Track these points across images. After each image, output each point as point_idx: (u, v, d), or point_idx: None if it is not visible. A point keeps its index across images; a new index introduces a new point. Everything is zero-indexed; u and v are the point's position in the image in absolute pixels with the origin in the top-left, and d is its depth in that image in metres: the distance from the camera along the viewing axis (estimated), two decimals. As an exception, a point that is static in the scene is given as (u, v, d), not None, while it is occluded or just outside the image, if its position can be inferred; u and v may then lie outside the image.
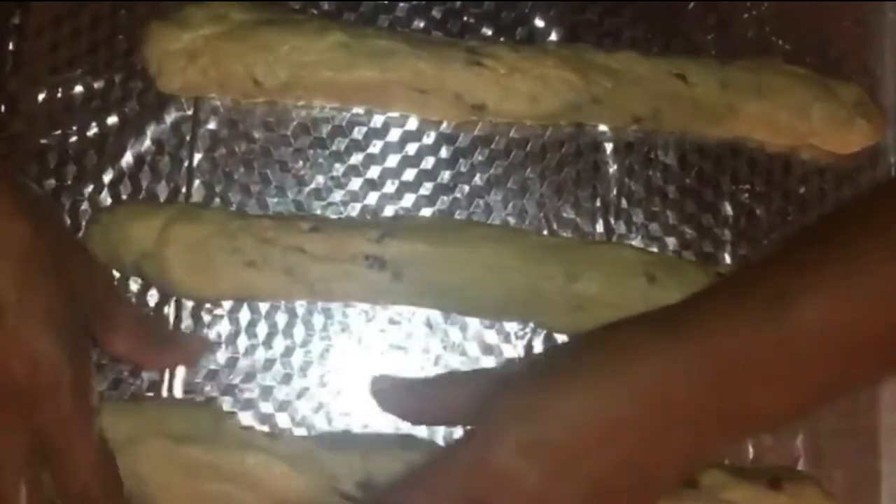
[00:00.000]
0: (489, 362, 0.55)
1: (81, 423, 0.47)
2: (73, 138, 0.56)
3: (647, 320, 0.43)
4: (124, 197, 0.56)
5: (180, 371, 0.54)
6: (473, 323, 0.56)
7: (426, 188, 0.57)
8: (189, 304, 0.55)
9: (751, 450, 0.56)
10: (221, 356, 0.55)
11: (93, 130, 0.56)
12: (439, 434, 0.55)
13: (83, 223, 0.55)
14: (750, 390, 0.41)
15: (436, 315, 0.55)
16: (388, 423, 0.54)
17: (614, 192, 0.57)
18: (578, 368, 0.43)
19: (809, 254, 0.42)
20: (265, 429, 0.53)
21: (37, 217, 0.47)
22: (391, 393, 0.51)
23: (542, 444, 0.42)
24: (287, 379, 0.55)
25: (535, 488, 0.42)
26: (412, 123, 0.57)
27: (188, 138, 0.56)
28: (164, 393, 0.54)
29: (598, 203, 0.57)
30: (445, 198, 0.57)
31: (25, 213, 0.46)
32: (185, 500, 0.51)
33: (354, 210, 0.56)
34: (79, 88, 0.56)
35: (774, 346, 0.41)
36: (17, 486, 0.45)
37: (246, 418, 0.54)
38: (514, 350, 0.56)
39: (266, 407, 0.54)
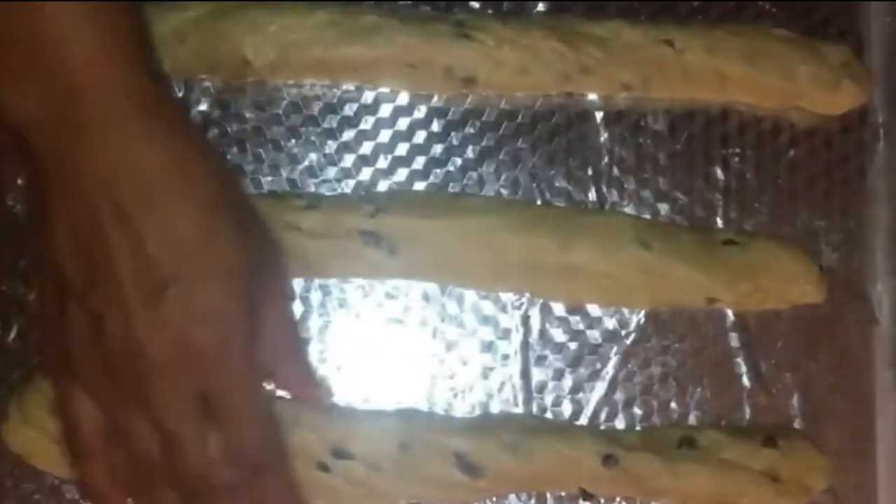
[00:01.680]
0: (486, 333, 0.56)
1: (251, 383, 0.46)
2: (65, 123, 0.56)
3: None
4: (119, 180, 0.56)
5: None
6: (470, 294, 0.56)
7: (419, 162, 0.57)
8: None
9: (747, 410, 0.57)
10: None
11: (84, 115, 0.56)
12: (439, 406, 0.55)
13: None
14: None
15: (432, 288, 0.56)
16: (389, 399, 0.55)
17: (606, 160, 0.58)
18: None
19: None
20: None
21: (221, 163, 0.46)
22: None
23: None
24: (287, 356, 0.55)
25: None
26: (403, 98, 0.57)
27: (180, 120, 0.56)
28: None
29: (589, 172, 0.58)
30: (438, 171, 0.57)
31: (214, 156, 0.45)
32: None
33: (348, 186, 0.57)
34: (69, 73, 0.56)
35: None
36: (201, 437, 0.45)
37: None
38: (510, 320, 0.56)
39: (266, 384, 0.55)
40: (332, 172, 0.57)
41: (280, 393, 0.53)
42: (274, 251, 0.50)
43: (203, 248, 0.44)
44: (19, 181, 0.55)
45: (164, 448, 0.46)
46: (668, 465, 0.53)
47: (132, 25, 0.45)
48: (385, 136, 0.57)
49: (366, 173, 0.57)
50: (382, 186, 0.57)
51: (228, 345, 0.45)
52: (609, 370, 0.56)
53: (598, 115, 0.58)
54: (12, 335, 0.54)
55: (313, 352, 0.55)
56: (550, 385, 0.56)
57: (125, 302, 0.44)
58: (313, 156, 0.57)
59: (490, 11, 0.58)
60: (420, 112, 0.57)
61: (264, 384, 0.48)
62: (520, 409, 0.56)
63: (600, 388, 0.56)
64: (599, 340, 0.56)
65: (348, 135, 0.57)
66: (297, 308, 0.55)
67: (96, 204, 0.43)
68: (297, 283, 0.55)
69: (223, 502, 0.47)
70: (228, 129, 0.56)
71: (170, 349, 0.44)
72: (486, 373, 0.56)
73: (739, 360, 0.57)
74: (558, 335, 0.56)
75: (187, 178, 0.44)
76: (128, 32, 0.44)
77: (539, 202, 0.57)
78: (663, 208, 0.58)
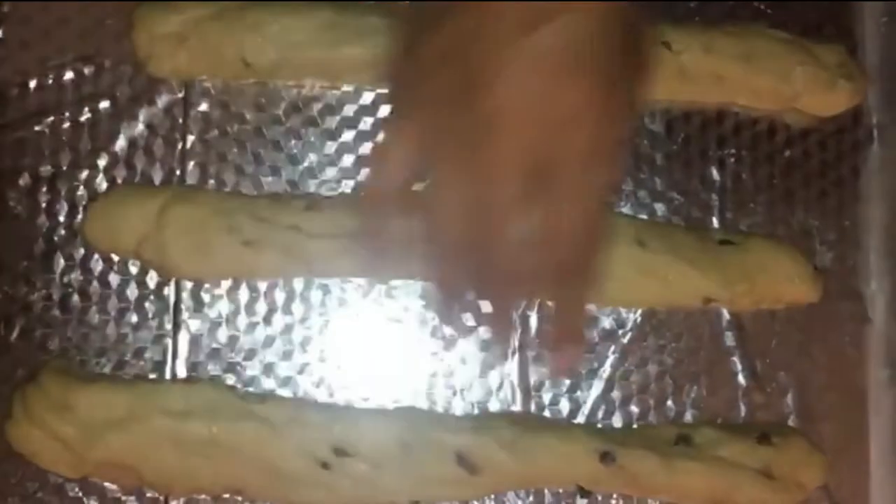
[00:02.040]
0: (485, 332, 0.56)
1: (592, 173, 0.43)
2: (66, 124, 0.56)
3: None
4: (120, 181, 0.56)
5: (182, 350, 0.55)
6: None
7: (418, 163, 0.58)
8: (189, 284, 0.56)
9: (742, 408, 0.57)
10: (222, 334, 0.55)
11: (85, 116, 0.56)
12: (439, 405, 0.56)
13: (80, 208, 0.56)
14: None
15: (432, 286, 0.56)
16: (387, 398, 0.55)
17: (603, 160, 0.58)
18: None
19: None
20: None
21: None
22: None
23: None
24: (288, 355, 0.56)
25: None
26: (402, 99, 0.58)
27: (180, 121, 0.57)
28: (168, 373, 0.55)
29: (587, 172, 0.58)
30: (437, 171, 0.58)
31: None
32: (178, 475, 0.52)
33: (348, 187, 0.57)
34: (69, 74, 0.56)
35: None
36: (520, 209, 0.43)
37: (249, 395, 0.55)
38: (509, 319, 0.57)
39: (268, 383, 0.55)
40: (331, 173, 0.57)
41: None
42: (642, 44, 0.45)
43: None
44: (21, 182, 0.56)
45: (471, 219, 0.43)
46: (665, 463, 0.54)
47: None
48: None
49: (365, 174, 0.57)
50: (382, 187, 0.57)
51: (579, 123, 0.42)
52: (606, 369, 0.57)
53: (596, 116, 0.58)
54: (14, 335, 0.55)
55: (314, 350, 0.56)
56: (548, 383, 0.57)
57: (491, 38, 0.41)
58: (313, 156, 0.57)
59: (488, 12, 0.58)
60: (419, 113, 0.58)
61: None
62: (518, 408, 0.56)
63: (597, 386, 0.57)
64: (596, 339, 0.57)
65: (348, 135, 0.57)
66: (298, 308, 0.56)
67: None
68: (298, 283, 0.56)
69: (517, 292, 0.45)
70: (228, 129, 0.57)
71: (526, 103, 0.41)
72: (485, 371, 0.56)
73: (735, 358, 0.58)
74: (556, 334, 0.57)
75: None
76: None
77: (537, 202, 0.58)
78: (660, 208, 0.58)
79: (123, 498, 0.54)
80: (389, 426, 0.54)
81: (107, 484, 0.54)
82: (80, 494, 0.54)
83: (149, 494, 0.54)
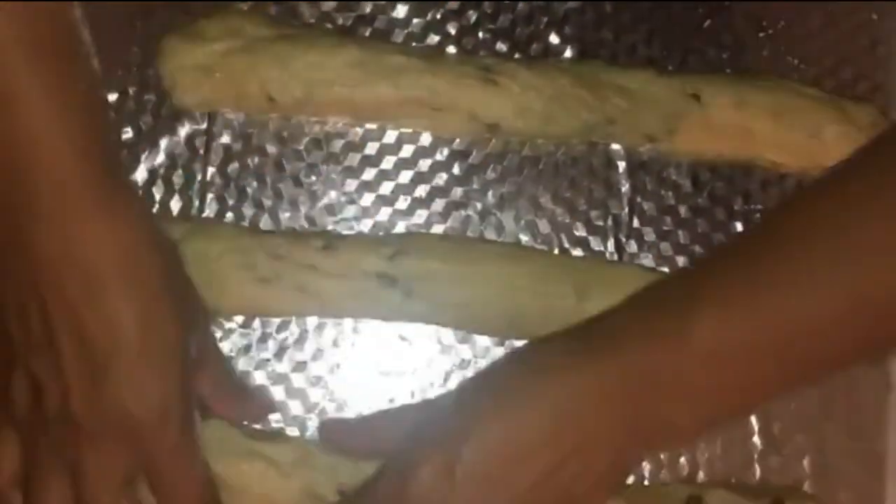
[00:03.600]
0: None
1: (188, 454, 0.47)
2: (87, 150, 0.56)
3: (564, 337, 0.45)
4: (137, 211, 0.56)
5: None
6: (483, 341, 0.56)
7: (438, 204, 0.57)
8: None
9: (757, 470, 0.56)
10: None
11: (107, 143, 0.56)
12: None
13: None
14: (661, 404, 0.43)
15: (446, 333, 0.56)
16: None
17: (626, 210, 0.57)
18: (496, 390, 0.45)
19: (714, 267, 0.44)
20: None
21: (167, 251, 0.47)
22: (333, 434, 0.52)
23: (459, 467, 0.43)
24: (298, 394, 0.55)
25: None
26: (425, 139, 0.57)
27: (202, 152, 0.56)
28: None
29: (609, 222, 0.57)
30: (458, 214, 0.57)
31: (160, 246, 0.46)
32: None
33: (366, 226, 0.57)
34: (93, 100, 0.56)
35: (679, 360, 0.42)
36: None
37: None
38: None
39: (277, 422, 0.55)
40: (350, 211, 0.57)
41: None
42: (198, 302, 0.51)
43: (142, 334, 0.45)
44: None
45: None
46: (676, 523, 0.53)
47: (100, 124, 0.46)
48: (406, 176, 0.57)
49: (384, 213, 0.57)
50: (401, 227, 0.57)
51: (166, 420, 0.46)
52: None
53: (621, 165, 0.58)
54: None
55: (324, 390, 0.55)
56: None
57: (64, 374, 0.45)
58: (333, 193, 0.57)
59: (517, 55, 0.58)
60: (442, 154, 0.57)
61: (200, 452, 0.48)
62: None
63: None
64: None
65: (369, 174, 0.57)
66: (311, 346, 0.55)
67: (41, 287, 0.44)
68: (311, 322, 0.55)
69: None
70: (249, 163, 0.56)
71: (106, 423, 0.45)
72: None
73: (752, 419, 0.56)
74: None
75: (132, 270, 0.45)
76: (96, 131, 0.45)
77: (558, 250, 0.57)
78: (682, 261, 0.57)
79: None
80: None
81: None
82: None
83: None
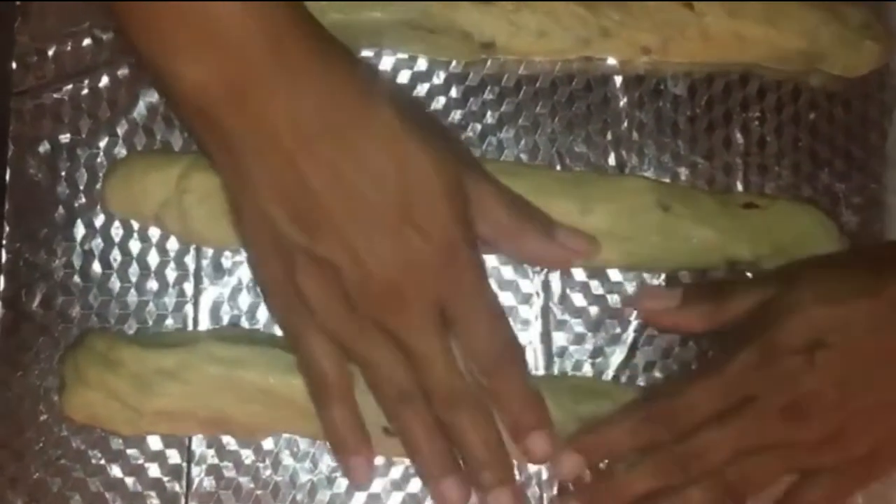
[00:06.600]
0: (507, 298, 0.56)
1: (482, 288, 0.49)
2: (85, 91, 0.56)
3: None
4: (139, 148, 0.56)
5: (203, 317, 0.55)
6: (490, 259, 0.56)
7: (438, 128, 0.57)
8: (209, 251, 0.56)
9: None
10: (243, 301, 0.55)
11: (104, 83, 0.56)
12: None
13: (100, 175, 0.55)
14: None
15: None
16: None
17: (625, 124, 0.58)
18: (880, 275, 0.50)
19: None
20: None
21: (397, 93, 0.49)
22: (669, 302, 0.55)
23: (838, 332, 0.49)
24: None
25: (816, 388, 0.49)
26: (422, 64, 0.57)
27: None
28: (190, 339, 0.55)
29: (609, 136, 0.58)
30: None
31: (387, 90, 0.48)
32: (239, 421, 0.53)
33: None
34: (87, 41, 0.56)
35: None
36: (447, 350, 0.48)
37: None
38: (530, 285, 0.56)
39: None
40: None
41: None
42: (460, 143, 0.53)
43: (403, 172, 0.46)
44: (41, 149, 0.55)
45: (411, 370, 0.48)
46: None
47: None
48: (404, 101, 0.57)
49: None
50: (402, 152, 0.57)
51: (454, 253, 0.47)
52: (629, 334, 0.56)
53: (618, 80, 0.58)
54: (36, 303, 0.55)
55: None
56: (571, 349, 0.56)
57: (349, 242, 0.46)
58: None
59: (509, -25, 0.58)
60: (439, 78, 0.57)
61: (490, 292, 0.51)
62: (541, 373, 0.56)
63: (620, 351, 0.56)
64: (619, 304, 0.57)
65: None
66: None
67: (291, 150, 0.45)
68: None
69: (469, 412, 0.49)
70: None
71: (403, 271, 0.47)
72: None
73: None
74: (579, 300, 0.56)
75: (368, 109, 0.46)
76: None
77: (559, 167, 0.57)
78: (683, 172, 0.58)
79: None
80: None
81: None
82: (142, 462, 0.54)
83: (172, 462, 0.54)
